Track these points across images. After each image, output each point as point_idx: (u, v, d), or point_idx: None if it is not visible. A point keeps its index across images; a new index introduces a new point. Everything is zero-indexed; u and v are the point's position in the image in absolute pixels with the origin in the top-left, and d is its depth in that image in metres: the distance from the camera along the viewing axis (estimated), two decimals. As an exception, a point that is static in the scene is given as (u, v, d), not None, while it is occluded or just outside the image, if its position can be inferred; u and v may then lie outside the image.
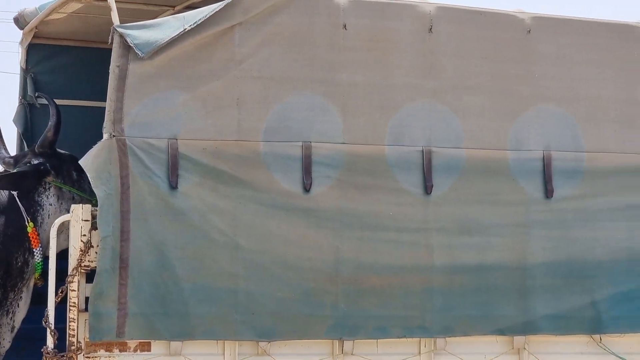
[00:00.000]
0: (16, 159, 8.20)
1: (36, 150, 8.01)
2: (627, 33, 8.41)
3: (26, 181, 7.91)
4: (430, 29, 7.81)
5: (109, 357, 7.12)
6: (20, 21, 8.87)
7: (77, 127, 8.53)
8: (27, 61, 8.87)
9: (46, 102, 8.71)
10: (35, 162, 8.00)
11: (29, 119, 8.84)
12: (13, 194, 7.87)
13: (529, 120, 8.02)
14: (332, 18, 7.61)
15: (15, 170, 8.05)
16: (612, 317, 8.05)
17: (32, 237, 7.63)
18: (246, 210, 7.36)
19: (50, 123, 7.96)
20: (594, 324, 8.04)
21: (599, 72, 8.25)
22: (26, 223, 7.72)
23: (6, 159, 8.30)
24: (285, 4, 7.51)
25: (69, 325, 7.08)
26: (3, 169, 8.55)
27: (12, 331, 8.00)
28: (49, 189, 7.74)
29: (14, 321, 8.00)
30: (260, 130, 7.42)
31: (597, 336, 8.07)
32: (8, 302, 7.94)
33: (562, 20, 8.26)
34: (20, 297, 7.97)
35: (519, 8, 8.19)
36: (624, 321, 8.09)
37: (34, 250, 7.64)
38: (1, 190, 7.94)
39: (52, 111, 8.00)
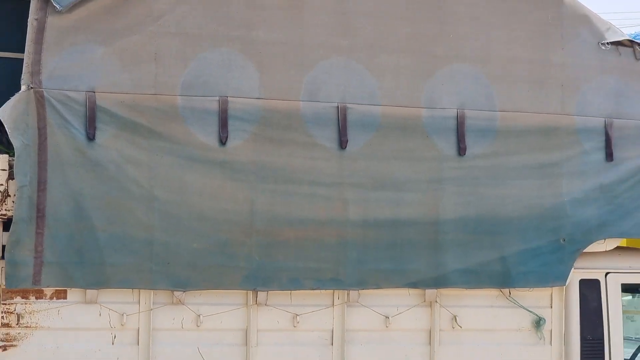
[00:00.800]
0: None
1: None
2: None
3: None
4: None
5: (25, 303, 7.19)
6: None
7: None
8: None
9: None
10: None
11: None
12: None
13: (443, 79, 8.08)
14: None
15: None
16: (521, 272, 8.14)
17: None
18: (163, 162, 7.43)
19: None
20: (504, 278, 8.12)
21: (513, 34, 8.29)
22: None
23: None
24: None
25: None
26: None
27: None
28: None
29: None
30: (177, 84, 7.49)
31: (506, 290, 8.16)
32: None
33: None
34: None
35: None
36: (533, 276, 8.17)
37: None
38: None
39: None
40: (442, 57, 8.12)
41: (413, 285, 7.97)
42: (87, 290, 7.30)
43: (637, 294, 9.24)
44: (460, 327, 8.07)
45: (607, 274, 8.45)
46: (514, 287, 8.17)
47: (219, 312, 7.58)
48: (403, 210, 7.94)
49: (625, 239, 8.68)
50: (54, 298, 7.26)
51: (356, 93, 7.87)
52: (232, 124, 7.56)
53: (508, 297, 8.18)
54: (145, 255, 7.38)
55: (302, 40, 7.80)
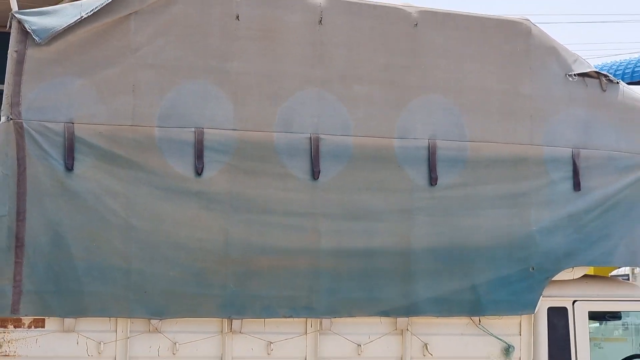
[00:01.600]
0: None
1: None
2: (512, 28, 8.53)
3: None
4: (321, 20, 7.94)
5: (3, 332, 7.22)
6: None
7: None
8: None
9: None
10: None
11: None
12: None
13: (415, 110, 8.15)
14: (225, 8, 7.75)
15: None
16: (491, 300, 8.20)
17: None
18: (140, 192, 7.49)
19: None
20: (474, 307, 8.19)
21: (484, 65, 8.37)
22: None
23: None
24: None
25: None
26: None
27: None
28: None
29: None
30: (154, 116, 7.55)
31: (476, 318, 8.23)
32: None
33: (448, 14, 8.39)
34: None
35: (408, 2, 8.32)
36: (503, 304, 8.24)
37: None
38: None
39: None
40: (415, 87, 8.19)
41: (385, 313, 8.02)
42: (65, 319, 7.33)
43: (604, 322, 9.32)
44: (431, 354, 8.12)
45: (574, 301, 8.55)
46: (485, 315, 8.23)
47: (194, 340, 7.62)
48: (375, 240, 7.99)
49: (592, 267, 8.79)
50: (32, 327, 7.29)
51: (329, 124, 7.94)
52: (207, 155, 7.62)
53: (478, 325, 8.26)
54: (123, 284, 7.42)
55: (276, 71, 7.87)
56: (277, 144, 7.81)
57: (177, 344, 7.58)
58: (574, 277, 8.59)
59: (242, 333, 7.73)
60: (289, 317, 7.81)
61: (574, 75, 8.65)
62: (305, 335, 7.88)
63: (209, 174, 7.63)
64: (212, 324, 7.69)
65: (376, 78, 8.12)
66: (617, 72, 17.41)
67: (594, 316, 8.74)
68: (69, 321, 7.34)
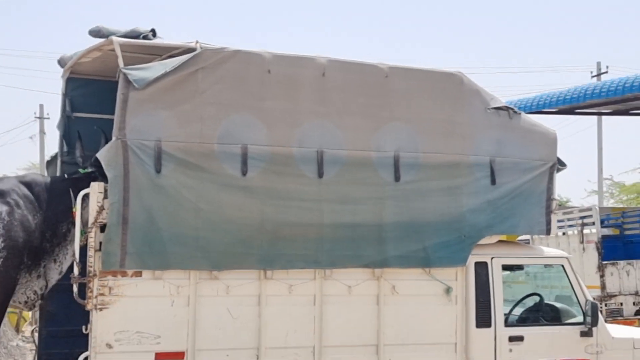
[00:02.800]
0: (83, 160, 8.22)
1: (93, 162, 7.94)
2: (450, 78, 8.44)
3: (83, 183, 7.85)
4: (324, 74, 7.89)
5: (114, 280, 7.19)
6: (61, 62, 8.79)
7: (97, 131, 8.47)
8: (65, 88, 8.76)
9: (79, 115, 8.69)
10: (89, 170, 7.97)
11: (67, 126, 8.74)
12: (70, 189, 7.83)
13: (385, 133, 8.07)
14: (260, 66, 7.69)
15: (76, 176, 8.08)
16: (437, 257, 8.14)
17: (74, 215, 7.53)
18: (205, 186, 7.42)
19: (101, 146, 7.79)
20: (425, 261, 8.12)
21: (431, 102, 8.29)
22: (72, 206, 7.64)
23: (78, 159, 8.32)
24: (231, 56, 7.59)
25: (89, 260, 7.13)
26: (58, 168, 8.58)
27: (59, 273, 7.92)
28: None
29: (61, 267, 7.91)
30: (215, 136, 7.48)
31: (427, 269, 8.16)
32: (54, 253, 7.92)
33: (408, 69, 8.32)
34: (66, 251, 7.87)
35: (381, 61, 8.21)
36: (444, 260, 8.18)
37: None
38: (63, 186, 7.91)
39: (102, 140, 7.94)
40: (385, 117, 8.11)
41: (366, 266, 7.97)
42: (155, 271, 7.30)
43: (512, 270, 9.28)
44: (398, 293, 8.06)
45: (492, 258, 8.48)
46: (432, 267, 8.16)
47: (241, 284, 7.57)
48: (358, 216, 7.92)
49: (504, 236, 8.74)
50: (134, 276, 7.25)
51: (329, 142, 7.87)
52: (249, 162, 7.56)
53: (428, 274, 8.18)
54: (193, 247, 7.37)
55: (295, 107, 7.81)
56: (295, 155, 7.75)
57: (229, 286, 7.53)
58: (492, 242, 8.51)
59: (272, 279, 7.66)
60: (303, 268, 7.75)
61: (491, 108, 8.56)
62: (314, 280, 7.81)
63: (251, 174, 7.57)
64: (252, 273, 7.63)
65: (359, 112, 8.03)
66: (519, 105, 17.36)
67: (505, 267, 8.66)
68: (158, 272, 7.31)
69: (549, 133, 8.83)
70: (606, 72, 35.65)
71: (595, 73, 36.13)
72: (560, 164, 8.84)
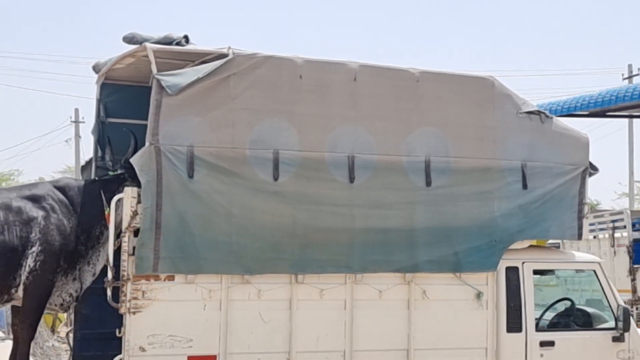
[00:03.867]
0: (113, 164, 8.27)
1: (122, 163, 8.01)
2: (481, 82, 8.39)
3: (113, 185, 7.94)
4: (355, 78, 7.84)
5: (148, 284, 7.19)
6: (96, 68, 8.79)
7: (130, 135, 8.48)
8: (100, 94, 8.77)
9: (112, 121, 8.71)
10: (119, 172, 8.04)
11: (101, 131, 8.76)
12: (101, 191, 7.89)
13: (416, 137, 8.01)
14: (292, 71, 7.66)
15: (105, 178, 8.14)
16: (468, 262, 8.07)
17: (107, 218, 7.57)
18: (237, 191, 7.40)
19: (129, 149, 7.91)
20: (456, 266, 8.06)
21: (462, 107, 8.22)
22: (104, 208, 7.70)
23: (107, 163, 8.36)
24: (263, 62, 7.57)
25: (122, 265, 7.13)
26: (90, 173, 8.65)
27: (93, 275, 8.00)
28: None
29: (94, 269, 7.98)
30: (246, 141, 7.46)
31: (458, 274, 8.09)
32: (88, 256, 7.97)
33: (439, 73, 8.26)
34: (99, 254, 7.94)
35: (413, 66, 8.19)
36: (475, 264, 8.11)
37: (108, 225, 7.51)
38: (94, 189, 7.96)
39: (132, 142, 7.96)
40: (416, 122, 8.05)
41: (397, 270, 7.91)
42: (188, 275, 7.29)
43: (543, 275, 9.18)
44: (428, 297, 8.00)
45: (523, 262, 8.39)
46: (463, 272, 8.10)
47: (272, 288, 7.54)
48: (390, 221, 7.87)
49: (535, 240, 8.65)
50: (166, 280, 7.24)
51: (360, 147, 7.81)
52: (281, 167, 7.52)
53: (459, 278, 8.10)
54: (225, 252, 7.36)
55: (326, 112, 7.77)
56: (327, 160, 7.70)
57: (261, 290, 7.50)
58: (523, 247, 8.42)
59: (304, 283, 7.63)
60: (334, 273, 7.71)
61: (523, 112, 8.48)
62: (345, 285, 7.76)
63: (282, 179, 7.53)
64: (284, 278, 7.59)
65: (390, 116, 7.98)
66: (550, 108, 17.21)
67: (536, 272, 8.56)
68: (190, 276, 7.29)
69: (581, 137, 8.73)
70: (638, 75, 35.24)
71: (626, 75, 35.74)
72: (593, 169, 8.73)
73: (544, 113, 8.64)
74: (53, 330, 18.22)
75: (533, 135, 8.49)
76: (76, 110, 41.33)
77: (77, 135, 40.62)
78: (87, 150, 36.90)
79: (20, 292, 7.67)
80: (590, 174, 8.74)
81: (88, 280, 8.02)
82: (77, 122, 40.99)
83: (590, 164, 8.72)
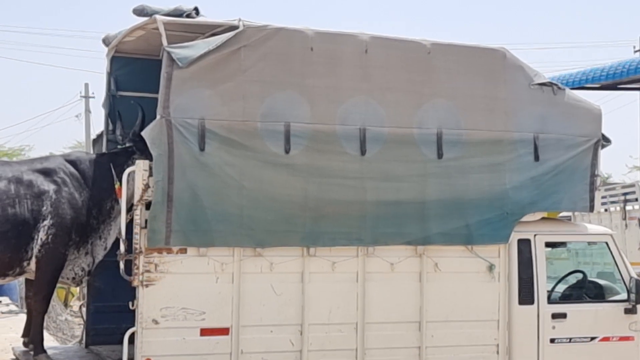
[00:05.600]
0: (122, 138, 8.27)
1: (130, 136, 8.02)
2: (493, 54, 8.32)
3: (121, 158, 7.96)
4: (366, 50, 7.79)
5: (160, 257, 7.18)
6: (106, 41, 8.79)
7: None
8: (110, 67, 8.76)
9: (123, 94, 8.71)
10: (127, 145, 8.05)
11: (112, 104, 8.75)
12: (110, 164, 7.91)
13: (427, 109, 7.97)
14: (304, 43, 7.61)
15: (114, 151, 8.17)
16: (479, 234, 8.04)
17: (118, 191, 7.57)
18: (248, 164, 7.38)
19: (137, 121, 7.94)
20: (468, 238, 8.04)
21: (473, 79, 8.17)
22: (115, 182, 7.71)
23: (117, 137, 8.39)
24: (274, 34, 7.52)
25: (134, 237, 7.13)
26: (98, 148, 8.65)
27: (105, 250, 8.05)
28: (134, 161, 7.53)
29: (106, 243, 8.02)
30: (257, 114, 7.42)
31: (469, 246, 8.07)
32: (100, 230, 7.99)
33: (451, 45, 8.20)
34: (110, 228, 7.99)
35: (424, 38, 8.11)
36: (487, 237, 8.08)
37: (119, 199, 7.54)
38: (104, 162, 7.99)
39: (139, 115, 7.98)
40: (428, 95, 8.01)
41: (408, 243, 7.89)
42: (200, 248, 7.29)
43: (554, 247, 9.17)
44: (440, 270, 7.99)
45: (535, 235, 8.36)
46: (475, 244, 8.08)
47: (284, 261, 7.54)
48: (402, 194, 7.85)
49: (546, 213, 8.62)
50: (179, 253, 7.23)
51: (372, 119, 7.78)
52: (292, 140, 7.50)
53: (471, 251, 8.09)
54: (237, 224, 7.34)
55: (337, 84, 7.72)
56: (338, 133, 7.66)
57: (272, 263, 7.50)
58: (535, 219, 8.39)
59: (315, 256, 7.62)
60: (346, 245, 7.70)
61: (535, 84, 8.42)
62: (357, 258, 7.75)
63: (293, 152, 7.51)
64: (295, 250, 7.58)
65: (402, 89, 7.94)
66: (562, 81, 17.12)
67: (548, 244, 8.54)
68: (202, 249, 7.29)
69: (593, 109, 8.68)
70: (650, 47, 34.95)
71: (638, 48, 35.47)
72: (605, 140, 8.68)
73: (556, 85, 8.58)
74: (66, 304, 18.36)
75: (545, 107, 8.43)
76: (86, 85, 41.29)
77: (87, 111, 40.58)
78: (98, 126, 36.81)
79: (32, 265, 7.70)
80: (603, 146, 8.68)
81: (100, 254, 8.05)
82: (87, 97, 40.93)
83: (603, 135, 8.67)
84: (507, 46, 8.46)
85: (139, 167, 7.19)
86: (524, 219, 8.28)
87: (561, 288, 8.82)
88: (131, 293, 7.24)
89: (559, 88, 8.56)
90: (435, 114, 8.00)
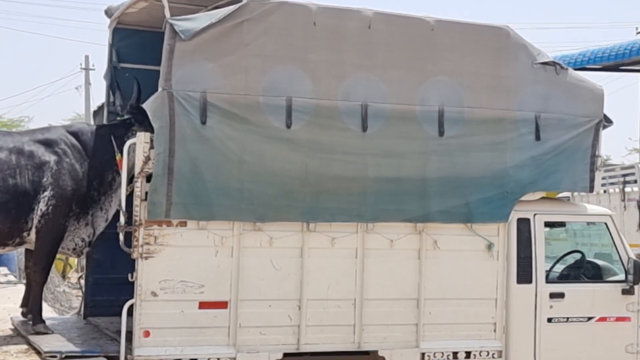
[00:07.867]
0: (122, 109, 8.30)
1: (128, 109, 8.01)
2: (496, 31, 8.28)
3: (120, 130, 7.96)
4: (369, 26, 7.74)
5: (160, 230, 7.18)
6: (108, 13, 8.76)
7: (141, 82, 8.43)
8: (112, 39, 8.74)
9: (125, 66, 8.70)
10: (126, 117, 8.03)
11: (114, 76, 8.74)
12: (111, 136, 7.90)
13: (430, 86, 7.93)
14: (306, 17, 7.57)
15: (113, 123, 8.20)
16: (479, 213, 8.04)
17: (119, 163, 7.57)
18: (249, 138, 7.37)
19: (134, 94, 7.99)
20: (467, 217, 8.03)
21: (476, 56, 8.14)
22: (115, 154, 7.71)
23: (117, 108, 8.42)
24: (276, 8, 7.48)
25: (134, 210, 7.12)
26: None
27: (105, 221, 8.06)
28: (134, 133, 7.57)
29: (107, 215, 8.04)
30: (259, 88, 7.40)
31: (469, 224, 8.07)
32: (101, 202, 8.00)
33: (455, 22, 8.17)
34: (111, 199, 8.00)
35: (427, 14, 8.08)
36: (486, 215, 8.08)
37: (120, 170, 7.53)
38: (105, 134, 8.00)
39: (135, 88, 8.00)
40: (430, 71, 7.97)
41: (408, 220, 7.89)
42: (200, 222, 7.28)
43: (553, 227, 9.17)
44: (439, 247, 7.99)
45: (535, 214, 8.36)
46: (474, 223, 8.08)
47: (284, 236, 7.53)
48: (402, 171, 7.84)
49: (546, 192, 8.62)
50: (178, 226, 7.23)
51: (374, 96, 7.75)
52: (294, 115, 7.48)
53: (470, 229, 8.08)
54: (238, 198, 7.34)
55: (340, 60, 7.69)
56: (340, 108, 7.64)
57: (272, 238, 7.50)
58: (535, 198, 8.38)
59: (315, 231, 7.61)
60: (346, 222, 7.69)
61: (537, 63, 8.38)
62: (356, 234, 7.75)
63: (295, 127, 7.49)
64: (295, 226, 7.58)
65: (404, 65, 7.90)
66: (563, 62, 17.07)
67: (547, 224, 8.54)
68: (202, 223, 7.28)
69: (595, 89, 8.64)
70: (652, 29, 34.84)
71: (640, 30, 35.35)
72: (607, 121, 8.65)
73: (559, 64, 8.54)
74: (64, 276, 18.39)
75: (547, 87, 8.40)
76: (86, 57, 41.18)
77: (87, 83, 40.44)
78: (98, 98, 36.76)
79: (32, 236, 7.71)
80: (605, 127, 8.66)
81: (101, 225, 8.06)
82: (87, 69, 40.78)
83: (605, 116, 8.64)
84: (512, 25, 8.42)
85: (140, 139, 7.18)
86: (524, 198, 8.27)
87: (559, 268, 8.83)
88: (130, 265, 7.24)
89: (562, 67, 8.53)
90: (438, 91, 7.97)
